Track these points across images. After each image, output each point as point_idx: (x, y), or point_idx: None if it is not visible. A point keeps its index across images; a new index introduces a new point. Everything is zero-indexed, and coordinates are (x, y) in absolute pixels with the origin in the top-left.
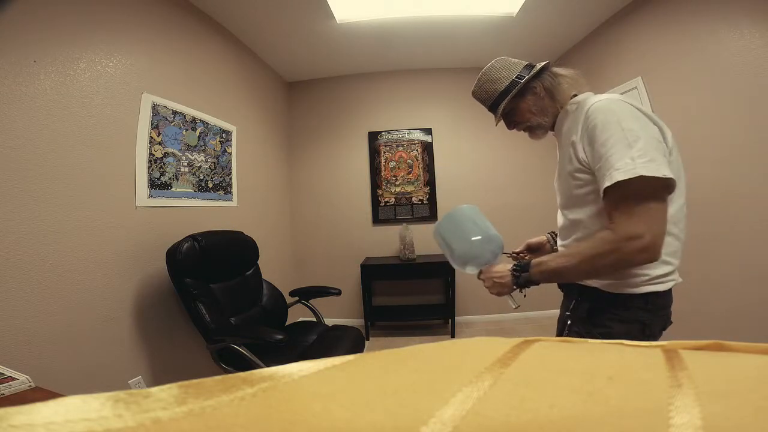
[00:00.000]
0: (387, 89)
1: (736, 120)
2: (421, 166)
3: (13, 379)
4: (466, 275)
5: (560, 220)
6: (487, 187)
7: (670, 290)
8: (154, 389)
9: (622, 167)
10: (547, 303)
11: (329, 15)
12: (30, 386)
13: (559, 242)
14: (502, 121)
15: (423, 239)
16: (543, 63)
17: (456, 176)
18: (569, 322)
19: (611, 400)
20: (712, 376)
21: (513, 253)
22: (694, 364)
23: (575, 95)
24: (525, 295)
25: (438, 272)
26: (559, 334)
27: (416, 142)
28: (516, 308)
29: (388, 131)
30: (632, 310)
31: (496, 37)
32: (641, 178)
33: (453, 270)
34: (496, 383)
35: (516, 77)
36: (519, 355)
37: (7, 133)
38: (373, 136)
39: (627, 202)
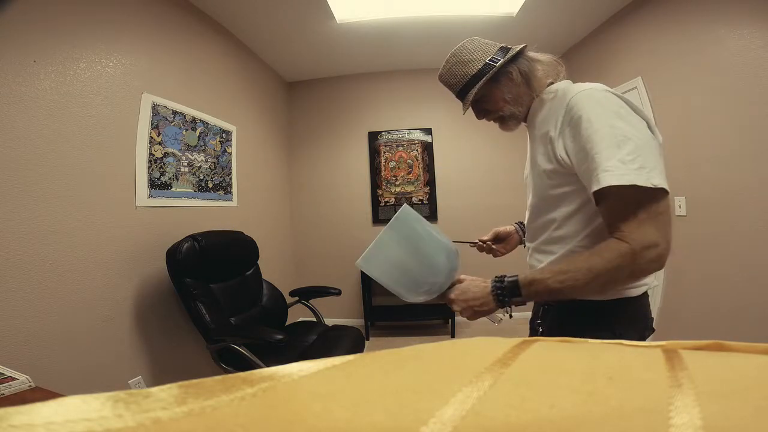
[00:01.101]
0: (387, 89)
1: (736, 120)
2: (421, 166)
3: (13, 379)
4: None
5: (529, 218)
6: (487, 187)
7: (645, 294)
8: (154, 389)
9: (611, 169)
10: None
11: (329, 15)
12: (30, 386)
13: (527, 243)
14: (471, 110)
15: None
16: (520, 46)
17: (456, 176)
18: (540, 330)
19: (611, 400)
20: (712, 376)
21: (479, 241)
22: (694, 364)
23: (551, 83)
24: (511, 316)
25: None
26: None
27: (416, 142)
28: (499, 323)
29: (388, 131)
30: (603, 318)
31: (496, 37)
32: (634, 186)
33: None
34: (496, 383)
35: (489, 60)
36: (519, 355)
37: (7, 133)
38: (373, 136)
39: (632, 208)
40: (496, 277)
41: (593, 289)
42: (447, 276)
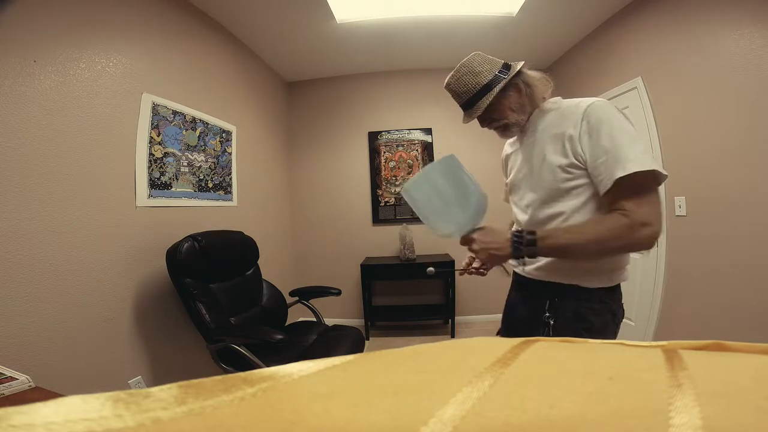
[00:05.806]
0: (387, 89)
1: (736, 120)
2: (421, 166)
3: (13, 379)
4: (465, 276)
5: (526, 216)
6: (487, 187)
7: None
8: (154, 389)
9: (635, 159)
10: None
11: (329, 15)
12: (30, 386)
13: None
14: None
15: (423, 239)
16: (521, 63)
17: None
18: (552, 322)
19: (611, 400)
20: (712, 376)
21: (465, 267)
22: (694, 364)
23: (544, 98)
24: (525, 267)
25: (438, 272)
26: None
27: (416, 142)
28: (508, 276)
29: (388, 131)
30: (605, 302)
31: (496, 37)
32: (652, 172)
33: (453, 270)
34: (496, 383)
35: (498, 72)
36: (519, 355)
37: (7, 132)
38: (373, 136)
39: (638, 192)
40: (516, 229)
41: (592, 252)
42: (474, 216)
